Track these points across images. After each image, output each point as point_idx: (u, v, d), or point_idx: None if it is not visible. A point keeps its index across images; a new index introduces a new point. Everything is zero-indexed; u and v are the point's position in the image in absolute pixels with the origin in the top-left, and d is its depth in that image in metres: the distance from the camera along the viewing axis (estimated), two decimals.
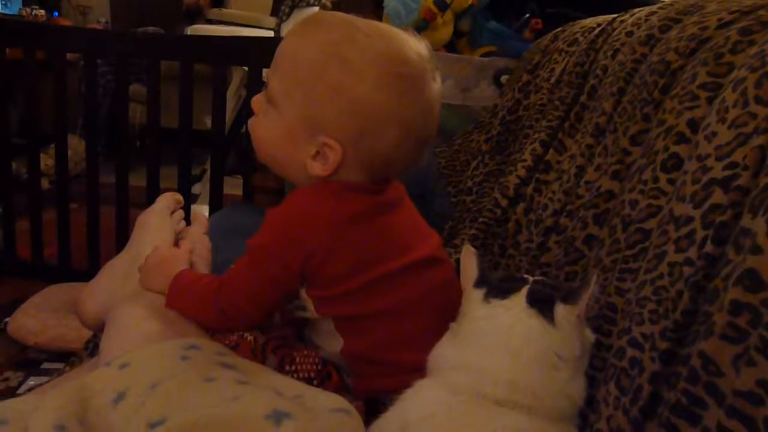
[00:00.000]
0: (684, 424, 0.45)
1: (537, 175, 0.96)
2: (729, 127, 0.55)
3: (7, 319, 1.52)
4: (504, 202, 0.98)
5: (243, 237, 0.67)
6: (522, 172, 0.99)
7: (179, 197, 0.94)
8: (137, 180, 1.80)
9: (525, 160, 1.00)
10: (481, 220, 0.99)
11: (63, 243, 1.70)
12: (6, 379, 1.42)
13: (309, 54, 0.63)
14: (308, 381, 0.65)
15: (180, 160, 1.62)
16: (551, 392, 0.57)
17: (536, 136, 1.02)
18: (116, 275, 0.83)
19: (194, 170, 2.26)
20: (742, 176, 0.51)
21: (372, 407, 0.65)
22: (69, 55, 1.78)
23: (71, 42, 1.68)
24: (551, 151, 0.97)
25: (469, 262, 0.65)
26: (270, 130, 0.66)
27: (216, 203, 1.62)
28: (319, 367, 0.67)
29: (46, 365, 1.42)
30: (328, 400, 0.51)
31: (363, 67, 0.61)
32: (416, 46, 0.64)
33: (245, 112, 2.21)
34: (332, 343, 0.68)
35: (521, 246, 0.92)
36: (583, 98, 0.97)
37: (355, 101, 0.61)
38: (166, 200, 0.92)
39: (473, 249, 0.66)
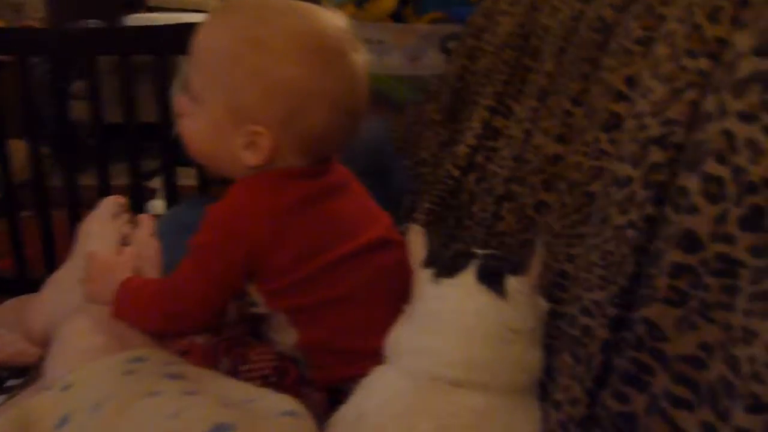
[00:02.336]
0: (633, 392, 0.44)
1: (486, 143, 0.95)
2: (662, 83, 0.54)
3: None
4: (456, 173, 0.97)
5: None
6: (472, 141, 0.97)
7: (122, 200, 0.91)
8: (92, 180, 1.75)
9: (474, 128, 0.99)
10: (435, 193, 0.98)
11: (18, 253, 1.65)
12: None
13: (222, 42, 0.61)
14: (265, 379, 0.64)
15: (129, 156, 1.57)
16: (507, 367, 0.57)
17: (484, 102, 1.01)
18: (60, 289, 0.80)
19: (152, 165, 2.20)
20: (676, 133, 0.50)
21: (336, 396, 0.64)
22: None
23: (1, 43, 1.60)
24: (499, 116, 0.95)
25: (417, 242, 0.64)
26: (197, 128, 0.64)
27: (171, 197, 1.58)
28: (276, 363, 0.65)
29: (10, 383, 1.38)
30: (278, 403, 0.50)
31: (279, 47, 0.60)
32: (331, 18, 0.63)
33: None
34: (287, 337, 0.66)
35: (476, 216, 0.91)
36: (526, 60, 0.95)
37: (277, 82, 0.60)
38: (108, 205, 0.89)
39: (420, 228, 0.65)
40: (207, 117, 0.63)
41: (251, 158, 0.62)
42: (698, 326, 0.40)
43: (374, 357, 0.61)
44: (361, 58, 0.65)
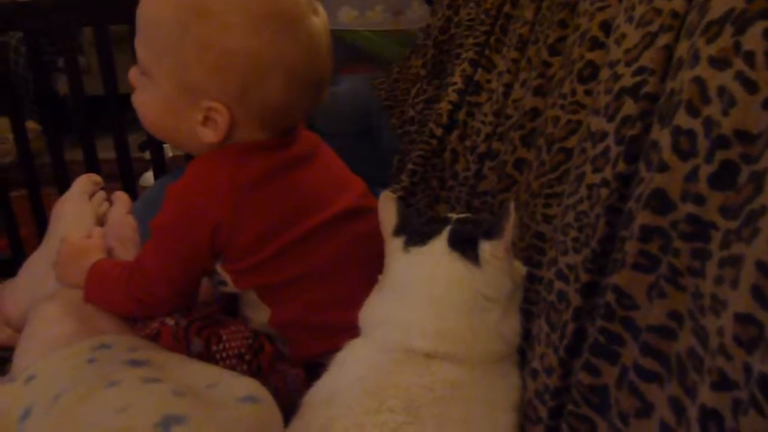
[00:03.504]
0: (604, 364, 0.42)
1: (468, 98, 0.91)
2: (636, 27, 0.50)
3: None
4: (438, 131, 0.93)
5: None
6: (453, 97, 0.93)
7: (96, 178, 0.88)
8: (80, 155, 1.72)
9: (456, 83, 0.94)
10: (417, 153, 0.95)
11: (11, 234, 1.64)
12: None
13: (167, 13, 0.56)
14: (239, 357, 0.62)
15: (114, 129, 1.54)
16: (482, 336, 0.55)
17: (465, 55, 0.96)
18: (35, 273, 0.78)
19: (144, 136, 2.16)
20: (649, 82, 0.46)
21: (315, 371, 0.63)
22: None
23: None
24: (480, 70, 0.91)
25: (388, 209, 0.61)
26: (150, 103, 0.61)
27: (159, 169, 1.55)
28: (250, 341, 0.63)
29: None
30: (240, 388, 0.48)
31: (227, 15, 0.55)
32: None
33: None
34: (259, 314, 0.64)
35: (459, 176, 0.87)
36: (506, 8, 0.90)
37: (228, 55, 0.56)
38: (82, 184, 0.86)
39: (391, 194, 0.62)
40: (158, 92, 0.59)
41: (208, 135, 0.59)
42: (668, 294, 0.37)
43: (350, 330, 0.59)
44: (321, 21, 0.60)
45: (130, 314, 0.64)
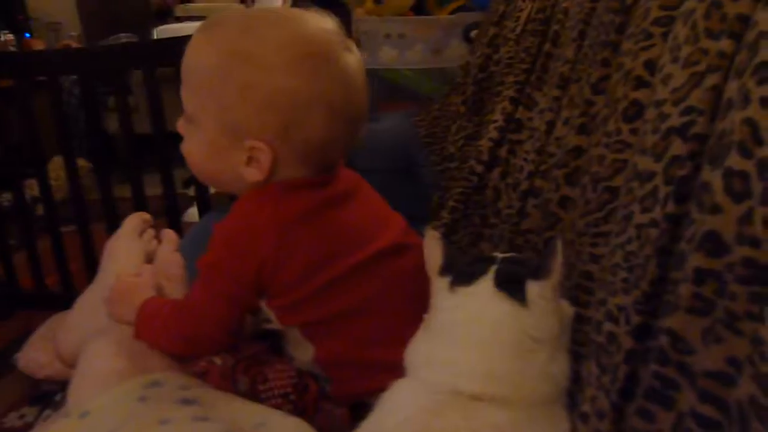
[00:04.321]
0: (659, 410, 0.41)
1: (509, 136, 0.91)
2: (683, 67, 0.50)
3: (17, 355, 1.52)
4: (479, 168, 0.94)
5: None
6: (494, 134, 0.94)
7: (146, 216, 0.91)
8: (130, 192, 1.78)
9: (496, 121, 0.95)
10: (458, 190, 0.95)
11: (62, 269, 1.69)
12: (23, 416, 1.42)
13: (209, 59, 0.59)
14: (285, 396, 0.63)
15: (160, 166, 1.59)
16: (531, 378, 0.54)
17: (506, 93, 0.97)
18: (87, 309, 0.81)
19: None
20: (698, 123, 0.46)
21: (359, 411, 0.62)
22: None
23: (34, 66, 1.65)
24: (521, 107, 0.91)
25: (433, 249, 0.61)
26: (197, 149, 0.63)
27: (204, 205, 1.59)
28: (295, 380, 0.64)
29: (59, 397, 1.41)
30: (287, 428, 0.48)
31: (267, 58, 0.58)
32: (319, 22, 0.61)
33: None
34: (303, 352, 0.65)
35: (502, 213, 0.87)
36: (547, 46, 0.91)
37: (270, 95, 0.58)
38: (133, 222, 0.89)
39: (436, 234, 0.62)
40: (204, 137, 0.62)
41: (253, 174, 0.61)
42: (725, 339, 0.36)
43: (395, 369, 0.59)
44: (355, 58, 0.62)
45: (178, 353, 0.65)
